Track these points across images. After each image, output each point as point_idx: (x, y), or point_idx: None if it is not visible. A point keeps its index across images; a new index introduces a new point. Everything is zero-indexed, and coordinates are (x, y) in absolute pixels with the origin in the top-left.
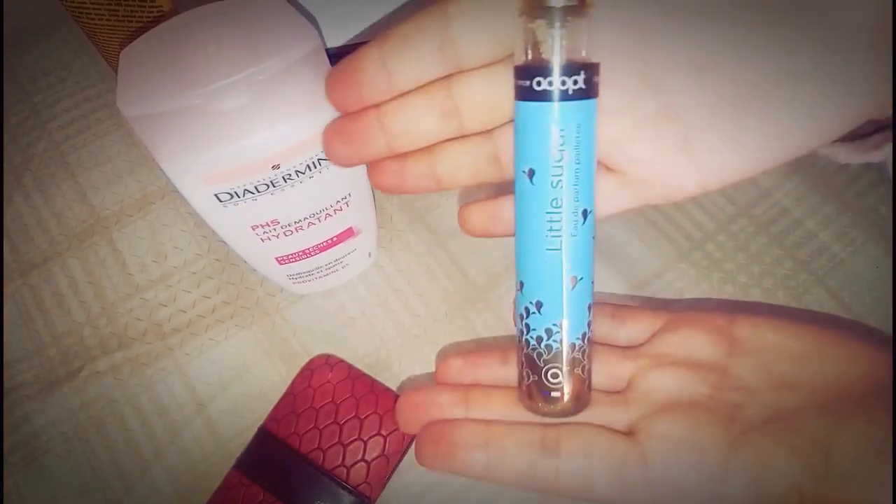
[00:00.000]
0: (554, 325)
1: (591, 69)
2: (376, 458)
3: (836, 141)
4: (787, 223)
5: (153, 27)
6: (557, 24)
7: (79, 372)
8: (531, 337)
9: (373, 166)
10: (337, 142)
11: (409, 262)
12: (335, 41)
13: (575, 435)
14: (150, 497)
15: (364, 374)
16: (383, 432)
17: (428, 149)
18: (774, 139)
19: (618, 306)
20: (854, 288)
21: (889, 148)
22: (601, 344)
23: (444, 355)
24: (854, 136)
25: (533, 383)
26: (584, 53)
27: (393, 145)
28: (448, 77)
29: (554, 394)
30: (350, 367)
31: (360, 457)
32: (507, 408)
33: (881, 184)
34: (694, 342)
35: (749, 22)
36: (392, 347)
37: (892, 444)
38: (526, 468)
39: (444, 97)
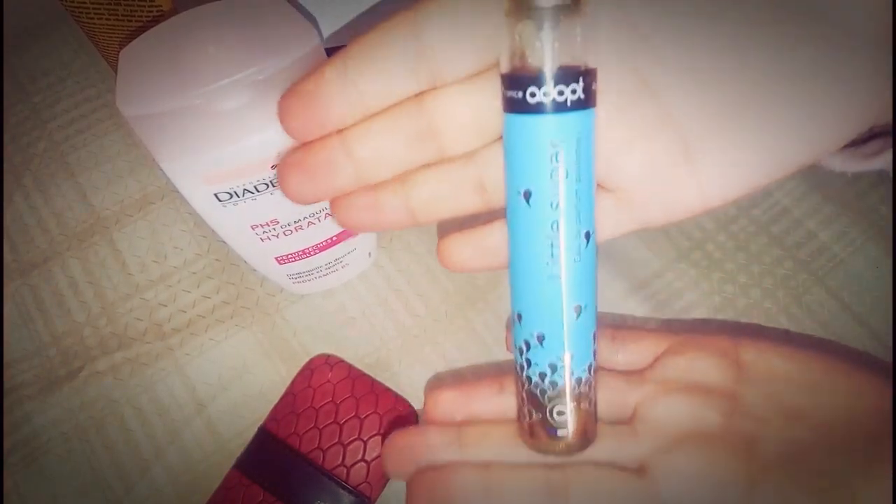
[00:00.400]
0: (558, 358)
1: (589, 76)
2: (376, 457)
3: None
4: (787, 223)
5: (153, 27)
6: (551, 27)
7: (79, 372)
8: (533, 373)
9: (338, 202)
10: (296, 176)
11: (409, 262)
12: (335, 41)
13: (584, 476)
14: (150, 497)
15: (364, 374)
16: (383, 432)
17: (401, 178)
18: (778, 144)
19: (617, 328)
20: (854, 288)
21: (888, 155)
22: (601, 368)
23: (433, 387)
24: (851, 143)
25: (536, 421)
26: (579, 58)
27: (362, 176)
28: (422, 94)
29: (560, 432)
30: (350, 367)
31: (360, 457)
32: (505, 446)
33: (881, 184)
34: (701, 366)
35: (747, 20)
36: (392, 347)
37: None
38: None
39: (419, 117)
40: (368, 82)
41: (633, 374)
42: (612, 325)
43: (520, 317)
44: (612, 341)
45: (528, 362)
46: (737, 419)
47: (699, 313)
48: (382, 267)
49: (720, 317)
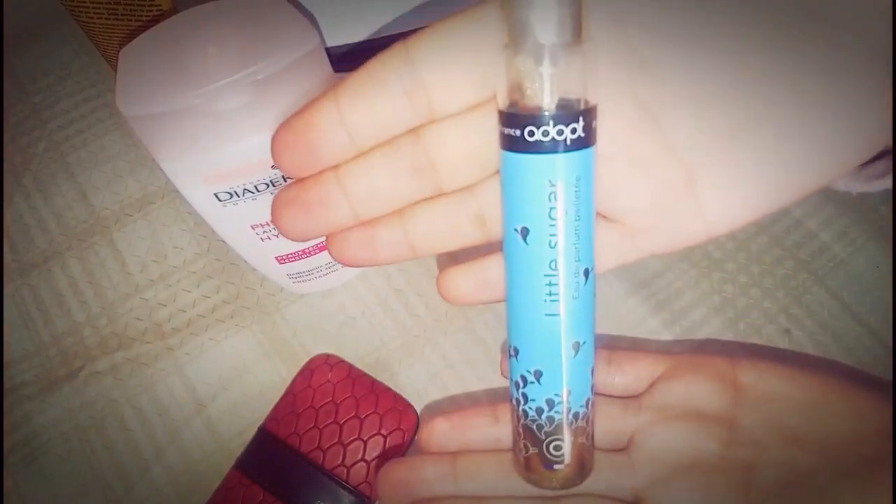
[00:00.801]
0: (555, 395)
1: (589, 114)
2: (376, 457)
3: None
4: (787, 223)
5: (152, 26)
6: (551, 63)
7: (79, 372)
8: (529, 407)
9: (334, 238)
10: (290, 213)
11: (409, 262)
12: (335, 41)
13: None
14: (150, 497)
15: (364, 374)
16: (383, 432)
17: (398, 212)
18: (783, 171)
19: (614, 351)
20: (854, 288)
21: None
22: (597, 393)
23: (427, 417)
24: None
25: (532, 455)
26: (579, 94)
27: (358, 211)
28: (418, 128)
29: (556, 466)
30: (350, 367)
31: (360, 457)
32: (501, 478)
33: None
34: (698, 391)
35: (747, 35)
36: (392, 347)
37: None
38: None
39: (415, 151)
40: (362, 118)
41: (630, 401)
42: (609, 347)
43: (516, 351)
44: (608, 364)
45: (525, 397)
46: (735, 447)
47: (699, 313)
48: (382, 267)
49: (720, 317)
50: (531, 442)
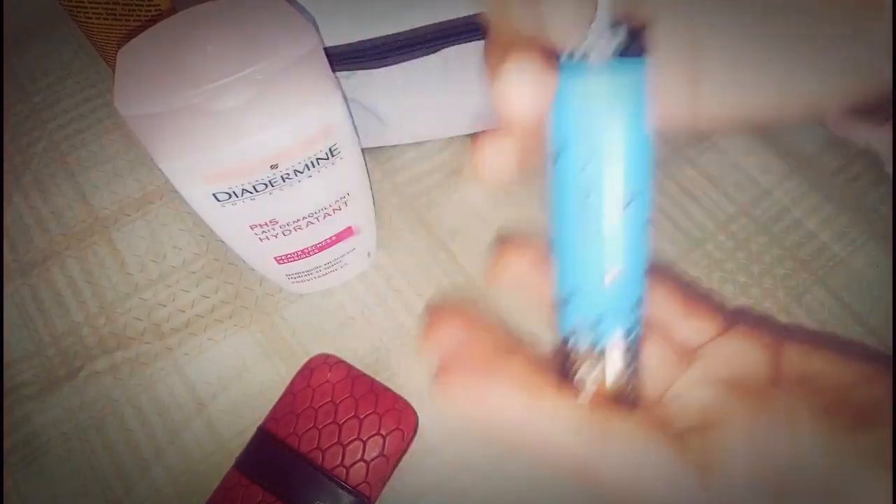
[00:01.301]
0: (594, 320)
1: (636, 29)
2: (376, 457)
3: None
4: (787, 223)
5: (151, 26)
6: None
7: (78, 372)
8: (568, 332)
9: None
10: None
11: (409, 262)
12: (335, 41)
13: (623, 424)
14: (150, 497)
15: (363, 374)
16: (382, 432)
17: None
18: (783, 78)
19: (690, 297)
20: (854, 288)
21: (875, 133)
22: (660, 336)
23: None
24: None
25: (570, 381)
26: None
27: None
28: None
29: (590, 391)
30: (349, 367)
31: (359, 457)
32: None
33: (881, 184)
34: (743, 360)
35: None
36: (391, 347)
37: None
38: (571, 439)
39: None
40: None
41: (684, 353)
42: (686, 292)
43: (557, 275)
44: (683, 308)
45: (563, 321)
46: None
47: None
48: (382, 267)
49: None
50: (567, 366)
